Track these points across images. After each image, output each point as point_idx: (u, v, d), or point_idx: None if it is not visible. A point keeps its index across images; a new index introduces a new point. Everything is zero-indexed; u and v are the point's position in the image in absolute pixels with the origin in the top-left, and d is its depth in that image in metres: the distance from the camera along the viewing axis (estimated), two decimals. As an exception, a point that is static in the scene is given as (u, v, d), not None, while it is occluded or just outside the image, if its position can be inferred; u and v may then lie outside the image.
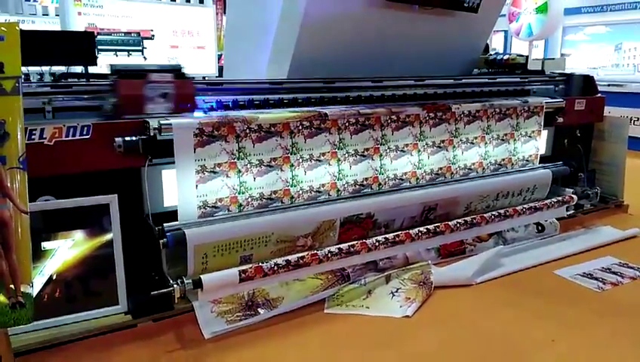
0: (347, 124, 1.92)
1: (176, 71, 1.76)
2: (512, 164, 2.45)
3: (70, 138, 1.50)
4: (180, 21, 5.12)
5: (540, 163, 2.54)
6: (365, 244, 1.81)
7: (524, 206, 2.27)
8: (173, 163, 1.60)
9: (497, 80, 2.66)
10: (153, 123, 1.57)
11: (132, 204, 1.61)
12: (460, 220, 2.06)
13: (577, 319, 1.69)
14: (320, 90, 2.11)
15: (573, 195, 2.45)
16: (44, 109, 1.59)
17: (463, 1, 2.57)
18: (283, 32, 2.25)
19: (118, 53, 5.00)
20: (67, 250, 1.51)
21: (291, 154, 1.82)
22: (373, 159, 2.01)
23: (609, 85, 5.11)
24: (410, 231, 1.92)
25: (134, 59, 5.05)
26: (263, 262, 1.65)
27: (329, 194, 1.92)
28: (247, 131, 1.72)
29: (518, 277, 2.00)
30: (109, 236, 1.55)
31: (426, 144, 2.15)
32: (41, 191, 1.50)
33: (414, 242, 1.93)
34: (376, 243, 1.83)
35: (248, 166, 1.73)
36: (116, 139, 1.54)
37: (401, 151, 2.08)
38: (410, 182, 2.12)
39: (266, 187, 1.79)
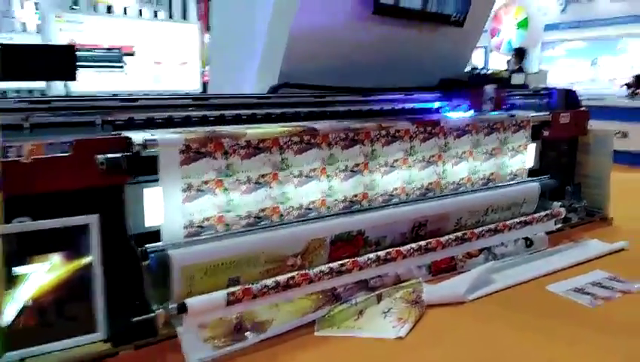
0: (337, 139, 1.89)
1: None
2: (501, 179, 2.44)
3: (49, 155, 1.43)
4: (162, 37, 5.08)
5: (527, 176, 2.55)
6: (356, 263, 1.76)
7: (514, 220, 2.26)
8: (156, 181, 1.54)
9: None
10: (137, 139, 1.51)
11: (113, 224, 1.54)
12: (451, 236, 2.04)
13: (573, 336, 1.66)
14: (309, 105, 2.07)
15: (561, 209, 2.45)
16: (22, 126, 1.52)
17: (449, 15, 2.59)
18: (270, 46, 2.22)
19: (98, 68, 4.92)
20: (43, 274, 1.42)
21: (280, 170, 1.77)
22: (363, 175, 1.97)
23: (588, 99, 5.24)
24: (401, 249, 1.88)
25: (116, 76, 4.97)
26: (251, 284, 1.59)
27: (319, 211, 1.87)
28: (236, 147, 1.67)
29: (512, 293, 1.97)
30: (88, 259, 1.47)
31: (416, 159, 2.13)
32: (17, 211, 1.41)
33: (406, 259, 1.89)
34: (368, 262, 1.78)
35: (236, 183, 1.68)
36: (98, 156, 1.47)
37: (391, 166, 2.05)
38: (400, 198, 2.09)
39: (255, 205, 1.73)
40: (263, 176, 1.73)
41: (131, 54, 5.08)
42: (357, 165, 1.95)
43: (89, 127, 1.63)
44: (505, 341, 1.63)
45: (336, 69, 2.33)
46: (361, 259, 1.77)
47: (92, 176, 1.47)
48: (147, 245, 1.52)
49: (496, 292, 1.96)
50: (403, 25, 2.55)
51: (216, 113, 1.82)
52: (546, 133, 2.63)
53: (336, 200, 1.91)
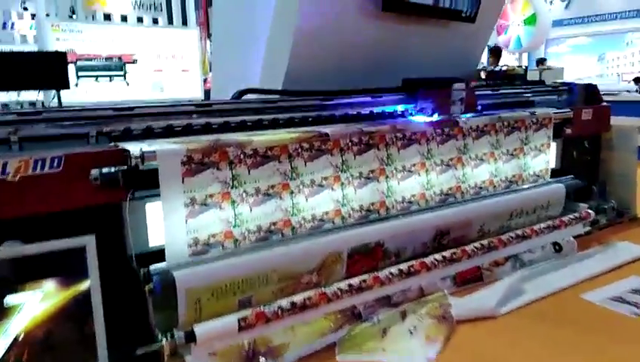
0: (350, 144, 1.76)
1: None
2: (523, 180, 2.30)
3: (38, 172, 1.31)
4: (163, 44, 4.98)
5: (550, 177, 2.40)
6: (378, 278, 1.62)
7: (542, 225, 2.11)
8: (157, 194, 1.41)
9: (500, 91, 2.53)
10: (135, 151, 1.38)
11: (112, 245, 1.41)
12: (476, 244, 1.89)
13: (617, 352, 1.52)
14: (316, 108, 1.94)
15: (589, 211, 2.30)
16: (10, 140, 1.40)
17: (460, 11, 2.46)
18: (274, 49, 2.10)
19: (99, 78, 4.83)
20: (36, 303, 1.29)
21: (291, 179, 1.64)
22: (379, 181, 1.84)
23: (603, 95, 5.08)
24: (425, 260, 1.74)
25: (117, 85, 4.88)
26: (264, 306, 1.45)
27: (333, 223, 1.74)
28: (242, 156, 1.54)
29: (545, 305, 1.83)
30: (85, 284, 1.34)
31: (434, 163, 1.99)
32: (6, 235, 1.29)
33: (430, 272, 1.75)
34: (390, 276, 1.64)
35: (244, 195, 1.55)
36: (92, 171, 1.34)
37: (409, 171, 1.91)
38: (419, 205, 1.95)
39: (265, 218, 1.60)
40: (272, 186, 1.60)
41: (132, 62, 4.99)
42: (372, 171, 1.82)
43: (82, 139, 1.51)
44: (543, 359, 1.48)
45: (344, 69, 2.20)
46: (382, 274, 1.63)
47: (86, 193, 1.35)
48: (150, 266, 1.40)
49: (529, 304, 1.81)
50: (413, 22, 2.43)
51: (220, 120, 1.69)
52: (568, 131, 2.49)
53: (351, 209, 1.77)
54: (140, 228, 1.48)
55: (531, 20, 5.07)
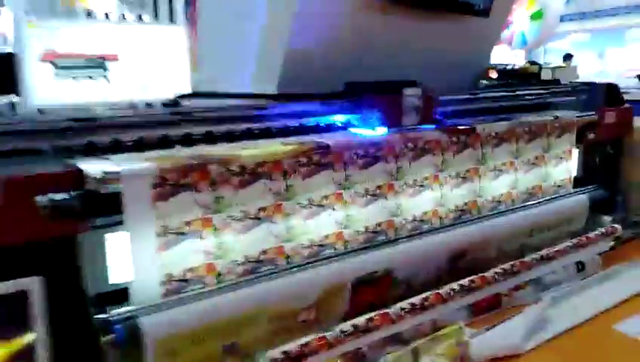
0: (355, 157, 1.51)
1: None
2: (544, 192, 2.07)
3: (-29, 200, 1.05)
4: (148, 42, 4.69)
5: (572, 187, 2.17)
6: (387, 316, 1.38)
7: (566, 244, 1.88)
8: (120, 222, 1.16)
9: (517, 92, 2.30)
10: (94, 171, 1.13)
11: (64, 286, 1.15)
12: (497, 270, 1.65)
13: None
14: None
15: (616, 226, 2.07)
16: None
17: (474, 4, 2.21)
18: (268, 45, 1.84)
19: (79, 77, 4.54)
20: (-33, 363, 1.04)
21: (285, 200, 1.39)
22: (387, 198, 1.59)
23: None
24: (441, 292, 1.50)
25: (98, 85, 4.59)
26: (253, 357, 1.21)
27: (334, 248, 1.49)
28: (227, 175, 1.28)
29: (574, 338, 1.59)
30: (29, 337, 1.08)
31: (449, 175, 1.75)
32: None
33: (446, 303, 1.51)
34: (401, 313, 1.40)
35: (229, 221, 1.30)
36: (38, 198, 1.09)
37: (420, 185, 1.67)
38: (431, 224, 1.71)
39: (253, 246, 1.35)
40: (262, 209, 1.35)
41: (115, 61, 4.69)
42: (379, 187, 1.57)
43: (35, 156, 1.25)
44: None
45: (347, 67, 1.95)
46: (392, 311, 1.38)
47: (32, 225, 1.09)
48: (112, 312, 1.14)
49: (556, 337, 1.58)
50: (421, 15, 2.17)
51: (202, 130, 1.43)
52: (590, 136, 2.26)
53: (355, 231, 1.53)
54: (98, 263, 1.23)
55: (538, 15, 4.87)
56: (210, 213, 1.27)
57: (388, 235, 1.60)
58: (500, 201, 1.91)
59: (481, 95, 2.16)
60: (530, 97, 2.33)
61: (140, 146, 1.34)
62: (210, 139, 1.41)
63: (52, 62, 4.39)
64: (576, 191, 2.13)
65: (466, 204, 1.80)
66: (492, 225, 1.79)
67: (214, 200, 1.27)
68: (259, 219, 1.35)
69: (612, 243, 2.17)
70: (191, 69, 4.82)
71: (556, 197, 2.06)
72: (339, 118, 1.69)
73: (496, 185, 1.89)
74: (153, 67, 4.59)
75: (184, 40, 4.58)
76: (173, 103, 1.63)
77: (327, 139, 1.49)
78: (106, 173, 1.12)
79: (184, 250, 1.24)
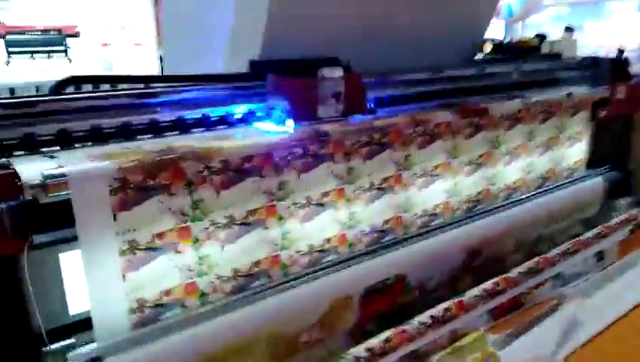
0: (358, 146, 1.28)
1: None
2: (557, 176, 1.88)
3: None
4: (110, 14, 4.28)
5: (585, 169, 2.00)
6: (406, 334, 1.17)
7: (588, 235, 1.70)
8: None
9: (524, 68, 2.08)
10: (32, 175, 0.86)
11: (4, 320, 0.90)
12: (521, 269, 1.47)
13: None
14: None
15: (636, 211, 1.91)
16: None
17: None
18: (244, 13, 1.56)
19: (35, 55, 4.12)
20: None
21: (279, 200, 1.15)
22: (395, 192, 1.37)
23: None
24: (463, 300, 1.30)
25: (57, 62, 4.18)
26: (249, 399, 0.99)
27: (338, 252, 1.27)
28: (206, 173, 1.03)
29: (607, 342, 1.43)
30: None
31: (462, 162, 1.53)
32: None
33: (469, 312, 1.31)
34: (421, 328, 1.20)
35: (211, 229, 1.05)
36: (-44, 213, 0.82)
37: (431, 175, 1.45)
38: (443, 218, 1.50)
39: (243, 256, 1.11)
40: (252, 211, 1.11)
41: (75, 35, 4.27)
42: (386, 179, 1.35)
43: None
44: None
45: (333, 39, 1.68)
46: (411, 328, 1.17)
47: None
48: (69, 355, 0.90)
49: (589, 341, 1.42)
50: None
51: (172, 116, 1.17)
52: (602, 113, 2.08)
53: (360, 232, 1.31)
54: (52, 290, 0.97)
55: (525, -15, 4.68)
56: (187, 222, 1.02)
57: (397, 234, 1.38)
58: (513, 188, 1.71)
59: (488, 70, 1.94)
60: (531, 73, 2.11)
61: (96, 138, 1.07)
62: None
63: (2, 37, 3.96)
64: (591, 174, 1.96)
65: (479, 193, 1.60)
66: (508, 216, 1.60)
67: (192, 206, 1.02)
68: (248, 224, 1.11)
69: (631, 229, 2.02)
70: (158, 44, 4.45)
71: (572, 181, 1.88)
72: (241, 109, 1.25)
73: (510, 171, 1.70)
74: (117, 42, 4.21)
75: (150, 11, 4.19)
76: (59, 87, 1.15)
77: (326, 124, 1.25)
78: (47, 176, 0.86)
79: (157, 269, 0.99)
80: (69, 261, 0.98)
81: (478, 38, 2.50)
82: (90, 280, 0.92)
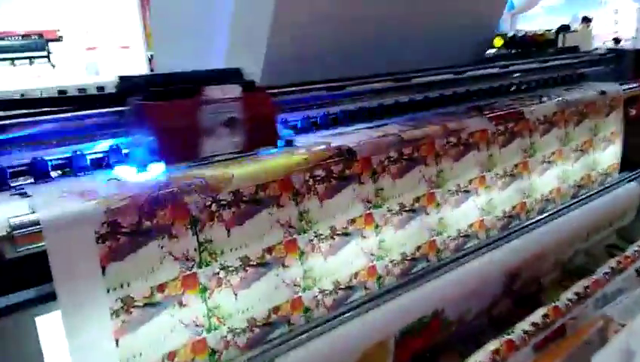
0: (386, 163, 1.10)
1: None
2: (592, 182, 1.72)
3: None
4: (95, 16, 4.05)
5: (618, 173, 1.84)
6: (453, 387, 1.00)
7: (634, 248, 1.54)
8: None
9: (548, 64, 1.91)
10: (-4, 224, 0.67)
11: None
12: (569, 295, 1.30)
13: None
14: (324, 102, 1.25)
15: (677, 218, 1.77)
16: None
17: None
18: (246, 12, 1.38)
19: (15, 61, 3.89)
20: None
21: (299, 233, 0.97)
22: (427, 213, 1.20)
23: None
24: (513, 338, 1.13)
25: (39, 68, 3.96)
26: None
27: (367, 288, 1.09)
28: (215, 208, 0.85)
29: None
30: None
31: (496, 174, 1.36)
32: None
33: (521, 350, 1.14)
34: (468, 377, 1.03)
35: (222, 275, 0.87)
36: None
37: (464, 191, 1.28)
38: (477, 238, 1.33)
39: (259, 304, 0.93)
40: (268, 249, 0.93)
41: (58, 40, 4.05)
42: (418, 199, 1.17)
43: None
44: None
45: (342, 39, 1.51)
46: (458, 379, 1.01)
47: None
48: None
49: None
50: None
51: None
52: (632, 112, 1.92)
53: (390, 262, 1.13)
54: (30, 360, 0.79)
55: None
56: (193, 268, 0.84)
57: (430, 261, 1.21)
58: (549, 200, 1.55)
59: (511, 67, 1.76)
60: (559, 69, 1.95)
61: (78, 169, 0.88)
62: None
63: (-21, 44, 3.73)
64: (625, 179, 1.80)
65: (513, 207, 1.43)
66: (547, 232, 1.43)
67: (198, 248, 0.84)
68: (264, 265, 0.93)
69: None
70: (147, 46, 4.23)
71: (607, 188, 1.71)
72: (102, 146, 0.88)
73: (545, 180, 1.53)
74: (103, 45, 3.99)
75: (136, 12, 3.97)
76: None
77: (349, 140, 1.07)
78: (15, 225, 0.67)
79: (158, 328, 0.81)
80: (48, 325, 0.79)
81: (490, 33, 2.33)
82: (73, 347, 0.73)
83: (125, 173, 0.84)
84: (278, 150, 0.98)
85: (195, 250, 0.84)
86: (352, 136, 1.10)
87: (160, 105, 0.84)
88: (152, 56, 4.17)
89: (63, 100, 0.94)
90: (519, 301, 1.50)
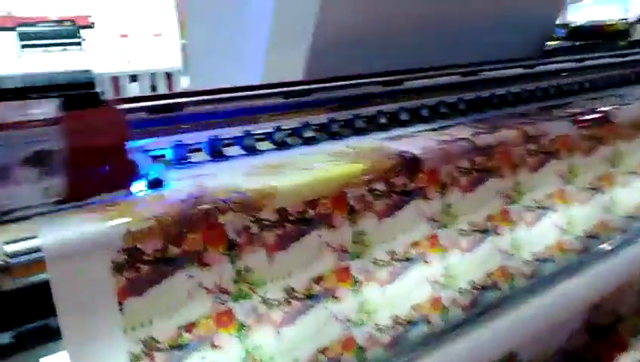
0: (457, 174, 0.92)
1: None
2: (679, 196, 1.49)
3: None
4: (128, 3, 3.96)
5: None
6: None
7: None
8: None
9: (629, 58, 1.68)
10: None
11: None
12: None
13: None
14: (376, 100, 1.08)
15: None
16: None
17: None
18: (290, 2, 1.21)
19: (48, 48, 3.85)
20: None
21: (352, 258, 0.81)
22: (500, 233, 1.01)
23: None
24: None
25: (72, 55, 3.91)
26: None
27: (430, 323, 0.92)
28: (255, 230, 0.70)
29: None
30: None
31: (578, 187, 1.16)
32: None
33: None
34: None
35: (262, 310, 0.72)
36: None
37: (542, 208, 1.09)
38: (554, 262, 1.14)
39: (305, 343, 0.78)
40: (318, 279, 0.77)
41: (90, 26, 3.98)
42: (490, 217, 0.99)
43: None
44: None
45: (389, 34, 1.32)
46: None
47: None
48: None
49: None
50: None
51: (198, 135, 0.83)
52: None
53: (457, 291, 0.96)
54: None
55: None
56: (228, 302, 0.69)
57: (501, 290, 1.02)
58: (632, 217, 1.33)
59: (588, 62, 1.54)
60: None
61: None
62: None
63: (13, 30, 3.70)
64: None
65: (594, 225, 1.23)
66: (633, 255, 1.22)
67: (234, 279, 0.69)
68: (311, 297, 0.77)
69: None
70: (181, 34, 4.13)
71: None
72: None
73: (629, 194, 1.31)
74: (135, 33, 3.90)
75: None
76: None
77: (410, 145, 0.90)
78: (8, 254, 0.53)
79: (185, 375, 0.66)
80: (55, 367, 0.66)
81: (551, 24, 2.09)
82: (84, 400, 0.60)
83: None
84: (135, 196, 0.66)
85: (231, 280, 0.69)
86: (414, 141, 0.93)
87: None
88: (185, 44, 4.06)
89: None
90: (594, 331, 1.30)
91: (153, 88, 3.91)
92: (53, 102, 0.58)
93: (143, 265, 0.61)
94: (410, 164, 0.84)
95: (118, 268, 0.59)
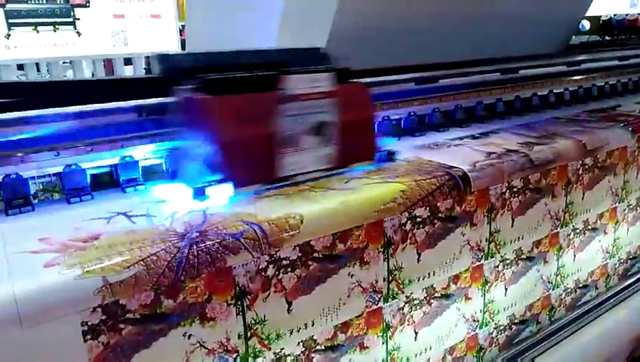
0: (507, 195, 0.78)
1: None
2: None
3: None
4: (124, -20, 3.75)
5: None
6: None
7: None
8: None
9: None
10: None
11: None
12: None
13: None
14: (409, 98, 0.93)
15: None
16: None
17: None
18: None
19: (39, 27, 3.65)
20: None
21: (386, 299, 0.67)
22: (546, 261, 0.87)
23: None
24: None
25: (64, 35, 3.72)
26: None
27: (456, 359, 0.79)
28: (272, 272, 0.55)
29: None
30: None
31: (629, 206, 1.02)
32: None
33: None
34: None
35: (277, 368, 0.58)
36: None
37: (592, 229, 0.95)
38: (596, 288, 1.00)
39: None
40: (345, 326, 0.63)
41: (85, 5, 3.78)
42: (537, 244, 0.85)
43: None
44: None
45: (406, 30, 1.16)
46: None
47: None
48: None
49: None
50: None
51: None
52: None
53: (497, 327, 0.82)
54: None
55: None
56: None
57: (541, 323, 0.89)
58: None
59: (632, 60, 1.39)
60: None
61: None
62: None
63: (1, 6, 3.49)
64: None
65: (638, 246, 1.09)
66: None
67: (245, 333, 0.55)
68: (336, 348, 0.63)
69: None
70: (179, 16, 3.93)
71: None
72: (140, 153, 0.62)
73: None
74: (132, 13, 3.70)
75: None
76: None
77: (453, 158, 0.75)
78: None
79: None
80: None
81: (578, 17, 1.93)
82: None
83: (175, 195, 0.57)
84: (376, 165, 0.68)
85: (241, 334, 0.55)
86: (456, 153, 0.78)
87: (224, 100, 0.54)
88: (183, 27, 3.88)
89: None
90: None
91: (148, 72, 3.73)
92: (328, 76, 0.58)
93: (126, 326, 0.46)
94: (455, 186, 0.69)
95: (89, 330, 0.45)
